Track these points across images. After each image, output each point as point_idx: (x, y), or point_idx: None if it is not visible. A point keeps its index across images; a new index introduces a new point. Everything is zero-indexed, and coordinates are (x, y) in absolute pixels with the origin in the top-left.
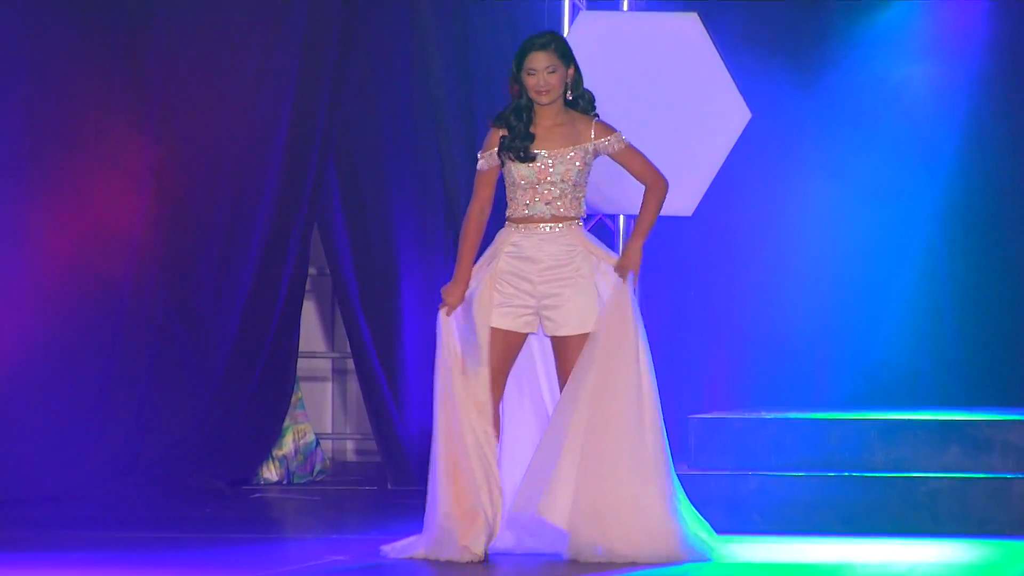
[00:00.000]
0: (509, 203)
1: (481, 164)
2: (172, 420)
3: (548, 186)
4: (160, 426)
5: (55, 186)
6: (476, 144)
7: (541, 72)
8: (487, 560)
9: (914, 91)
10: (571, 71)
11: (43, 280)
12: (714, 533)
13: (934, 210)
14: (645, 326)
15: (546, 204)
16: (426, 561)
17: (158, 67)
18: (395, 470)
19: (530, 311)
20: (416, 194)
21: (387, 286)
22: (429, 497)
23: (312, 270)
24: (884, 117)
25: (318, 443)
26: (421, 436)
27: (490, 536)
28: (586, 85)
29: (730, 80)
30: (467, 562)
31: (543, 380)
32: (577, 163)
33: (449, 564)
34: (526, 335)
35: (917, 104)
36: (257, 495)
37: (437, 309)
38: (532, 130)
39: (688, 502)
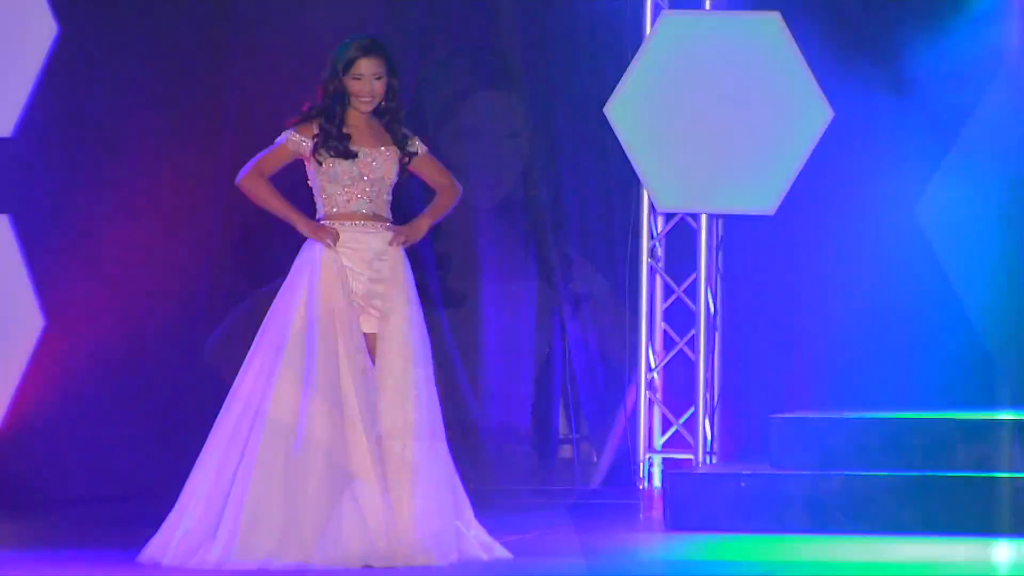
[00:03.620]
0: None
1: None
2: None
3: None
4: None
5: (140, 193)
6: (553, 143)
7: (369, 78)
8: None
9: (998, 92)
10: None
11: (128, 283)
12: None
13: (1015, 209)
14: (723, 327)
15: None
16: None
17: (236, 67)
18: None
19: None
20: (495, 188)
21: (466, 278)
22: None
23: None
24: (967, 116)
25: None
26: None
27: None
28: (667, 85)
29: (812, 79)
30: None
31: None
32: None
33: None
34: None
35: (1001, 104)
36: None
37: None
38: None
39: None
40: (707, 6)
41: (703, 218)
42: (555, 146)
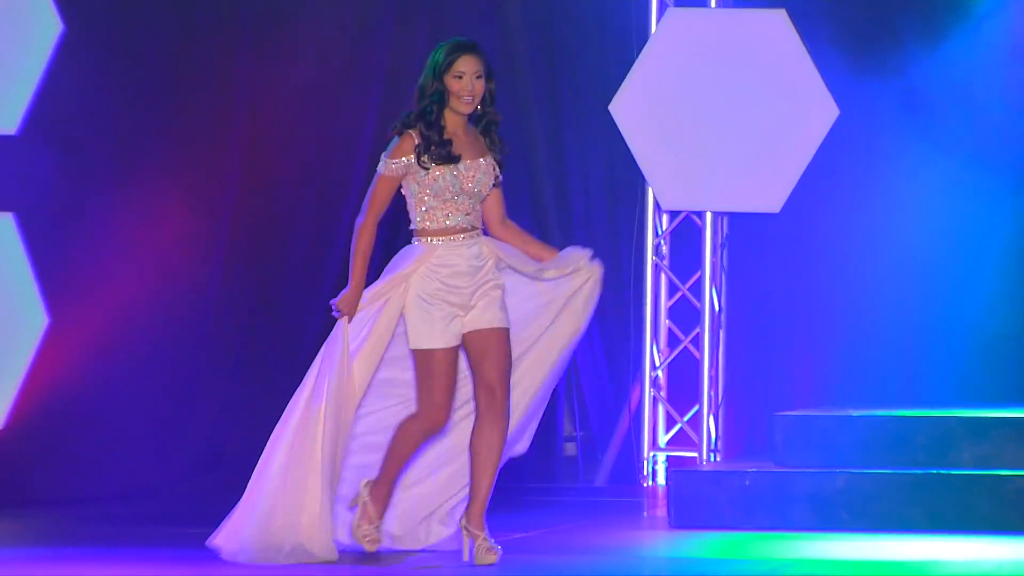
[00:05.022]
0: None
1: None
2: (254, 420)
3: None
4: (242, 426)
5: (147, 192)
6: (562, 143)
7: (470, 76)
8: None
9: (1002, 86)
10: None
11: (133, 282)
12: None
13: (1019, 206)
14: (728, 325)
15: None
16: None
17: (245, 68)
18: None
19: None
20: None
21: None
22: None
23: None
24: (971, 113)
25: None
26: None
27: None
28: (673, 82)
29: (818, 77)
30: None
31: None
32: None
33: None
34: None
35: (1004, 100)
36: None
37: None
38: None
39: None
40: (712, 3)
41: (708, 216)
42: (560, 144)
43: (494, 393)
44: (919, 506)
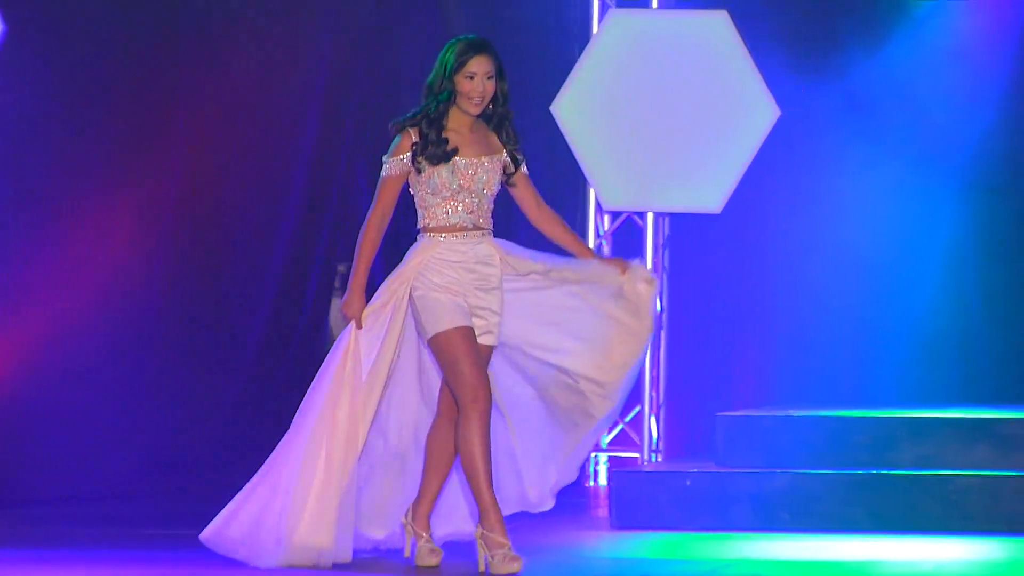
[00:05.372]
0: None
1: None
2: (203, 420)
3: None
4: (193, 426)
5: (89, 194)
6: None
7: (481, 76)
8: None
9: (944, 88)
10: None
11: (77, 284)
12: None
13: (961, 207)
14: (669, 326)
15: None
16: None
17: (187, 71)
18: None
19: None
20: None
21: None
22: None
23: (342, 267)
24: (913, 115)
25: None
26: None
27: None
28: (614, 83)
29: (759, 78)
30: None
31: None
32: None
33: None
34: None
35: (946, 101)
36: None
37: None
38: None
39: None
40: (654, 4)
41: (649, 216)
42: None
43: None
44: (861, 506)
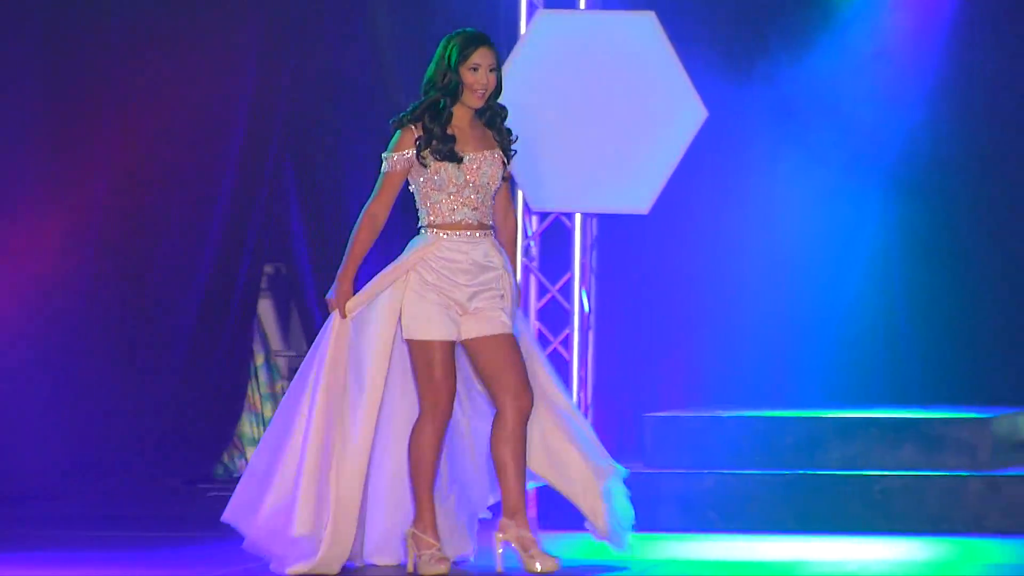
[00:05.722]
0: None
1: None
2: (132, 418)
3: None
4: (122, 425)
5: (17, 191)
6: None
7: (485, 68)
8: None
9: (871, 91)
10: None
11: (2, 283)
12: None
13: (887, 208)
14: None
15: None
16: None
17: (115, 67)
18: None
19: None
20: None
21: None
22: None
23: (269, 268)
24: (840, 117)
25: None
26: None
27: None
28: (542, 84)
29: (687, 79)
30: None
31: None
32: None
33: None
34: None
35: (873, 104)
36: (213, 493)
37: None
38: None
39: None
40: (582, 4)
41: (577, 217)
42: None
43: (519, 397)
44: (788, 507)
